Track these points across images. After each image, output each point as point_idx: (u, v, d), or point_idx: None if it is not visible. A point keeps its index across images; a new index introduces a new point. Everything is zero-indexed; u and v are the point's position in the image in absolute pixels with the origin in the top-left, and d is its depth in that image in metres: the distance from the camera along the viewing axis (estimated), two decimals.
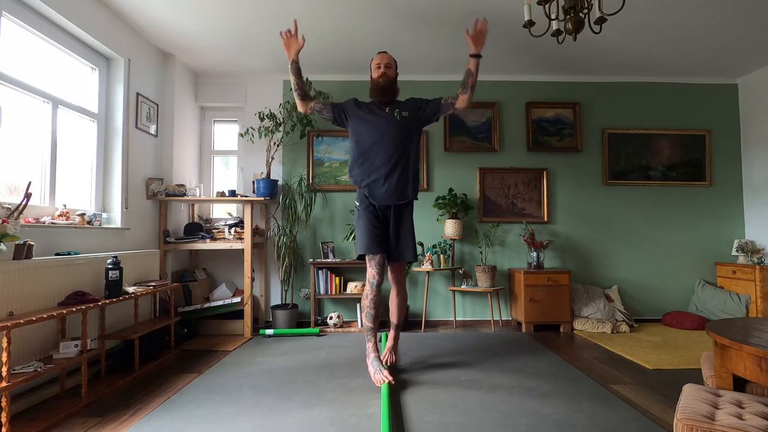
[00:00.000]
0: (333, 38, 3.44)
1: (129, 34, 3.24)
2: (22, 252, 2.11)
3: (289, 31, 2.61)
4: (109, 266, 2.52)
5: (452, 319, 4.11)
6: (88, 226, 2.72)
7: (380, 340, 3.36)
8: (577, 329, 3.76)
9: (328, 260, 3.93)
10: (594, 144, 4.30)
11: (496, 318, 4.14)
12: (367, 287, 2.55)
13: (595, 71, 4.17)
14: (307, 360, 2.89)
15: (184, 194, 3.60)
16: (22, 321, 1.85)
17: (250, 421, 1.95)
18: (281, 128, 4.04)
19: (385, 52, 2.67)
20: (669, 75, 4.24)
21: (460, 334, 3.66)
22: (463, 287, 3.90)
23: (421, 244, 4.09)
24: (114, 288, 2.52)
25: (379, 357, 2.54)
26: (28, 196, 2.16)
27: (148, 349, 2.89)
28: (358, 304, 3.97)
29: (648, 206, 4.28)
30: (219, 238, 3.71)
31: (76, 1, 2.68)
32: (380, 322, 3.13)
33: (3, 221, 1.98)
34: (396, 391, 2.31)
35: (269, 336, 3.56)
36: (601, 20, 2.16)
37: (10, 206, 2.13)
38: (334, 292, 3.93)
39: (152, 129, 3.56)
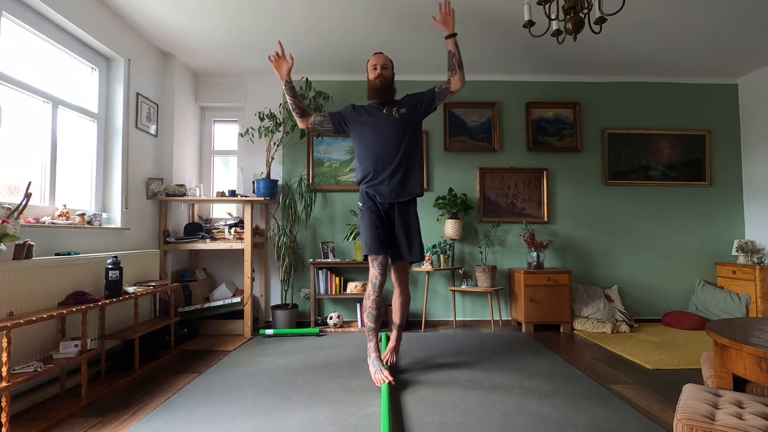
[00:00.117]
0: (333, 38, 3.44)
1: (129, 34, 3.24)
2: (22, 252, 2.11)
3: (277, 53, 2.65)
4: (109, 266, 2.53)
5: (452, 319, 4.11)
6: (88, 226, 2.72)
7: (381, 340, 3.36)
8: (577, 329, 3.76)
9: (328, 260, 3.93)
10: (594, 144, 4.30)
11: (496, 318, 4.14)
12: (370, 287, 2.56)
13: (595, 71, 4.17)
14: (307, 360, 2.89)
15: (184, 194, 3.60)
16: (22, 321, 1.85)
17: (250, 421, 1.95)
18: (281, 128, 4.04)
19: (380, 52, 2.67)
20: (669, 75, 4.24)
21: (460, 334, 3.66)
22: (463, 287, 3.90)
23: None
24: (114, 288, 2.52)
25: (380, 357, 2.54)
26: (28, 196, 2.16)
27: (148, 349, 2.89)
28: (358, 304, 3.97)
29: (648, 206, 4.28)
30: (219, 238, 3.71)
31: (76, 1, 2.68)
32: (381, 322, 3.13)
33: (3, 221, 1.98)
34: (396, 391, 2.32)
35: (269, 336, 3.57)
36: (601, 20, 2.16)
37: (10, 206, 2.13)
38: (334, 292, 3.93)
39: (152, 129, 3.56)
